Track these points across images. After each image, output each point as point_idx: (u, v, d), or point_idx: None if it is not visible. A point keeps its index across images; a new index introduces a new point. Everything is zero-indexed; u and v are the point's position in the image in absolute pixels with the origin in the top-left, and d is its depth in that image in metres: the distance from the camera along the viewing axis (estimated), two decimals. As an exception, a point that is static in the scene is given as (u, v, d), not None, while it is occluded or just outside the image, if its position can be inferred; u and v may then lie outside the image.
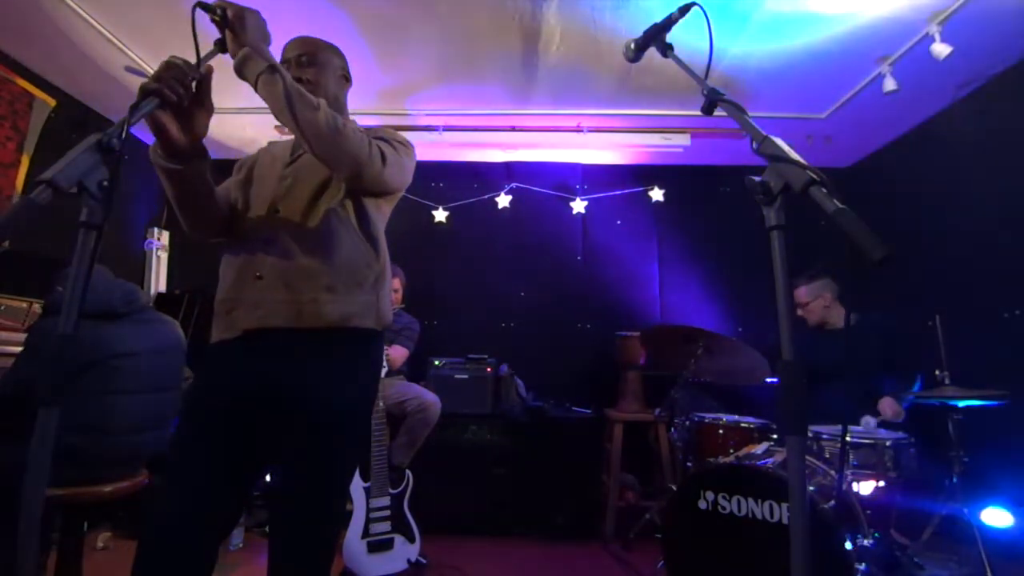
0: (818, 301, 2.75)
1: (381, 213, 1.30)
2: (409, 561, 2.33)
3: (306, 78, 1.25)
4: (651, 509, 2.93)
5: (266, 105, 1.06)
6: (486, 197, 3.88)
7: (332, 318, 1.13)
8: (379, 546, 2.28)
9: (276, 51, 1.14)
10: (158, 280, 3.80)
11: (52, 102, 2.93)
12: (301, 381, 1.11)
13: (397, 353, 2.92)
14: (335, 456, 1.13)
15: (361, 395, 1.20)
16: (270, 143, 1.40)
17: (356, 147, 1.09)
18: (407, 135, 1.36)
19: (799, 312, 2.81)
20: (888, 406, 2.36)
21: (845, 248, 0.68)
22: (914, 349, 2.58)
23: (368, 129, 1.27)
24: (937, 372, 2.26)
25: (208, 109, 1.03)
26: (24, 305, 2.46)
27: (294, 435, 1.10)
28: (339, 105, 1.34)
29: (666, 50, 1.11)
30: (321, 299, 1.13)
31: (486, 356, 3.24)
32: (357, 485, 2.29)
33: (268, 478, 2.33)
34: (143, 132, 3.18)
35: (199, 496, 1.05)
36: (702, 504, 1.89)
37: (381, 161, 1.14)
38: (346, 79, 1.38)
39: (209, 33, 1.04)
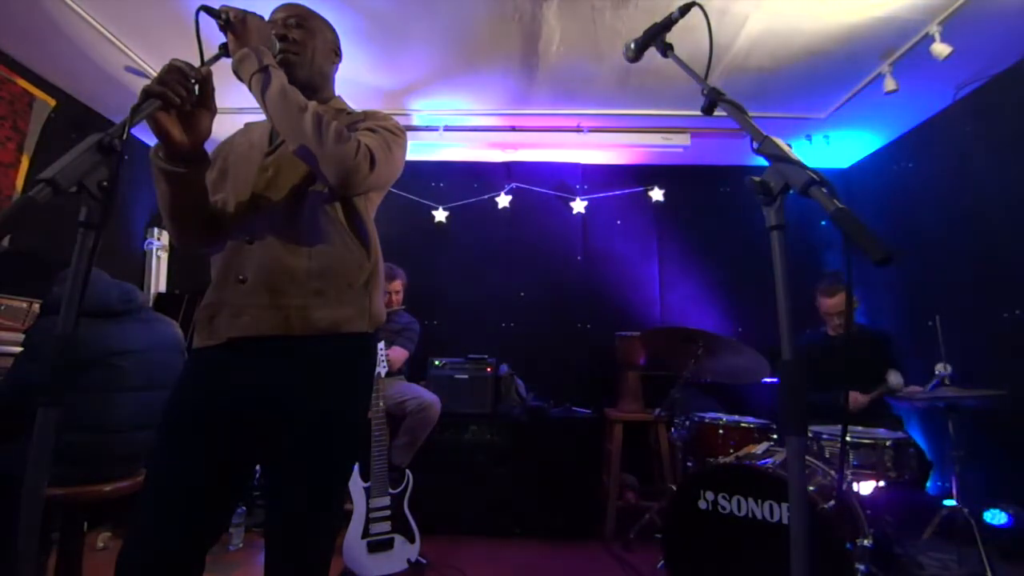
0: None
1: (371, 203, 1.24)
2: (409, 561, 2.33)
3: (292, 36, 1.19)
4: (651, 509, 2.93)
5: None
6: (486, 197, 3.88)
7: (322, 325, 1.08)
8: (379, 546, 2.28)
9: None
10: (158, 280, 3.80)
11: (52, 102, 2.93)
12: (291, 390, 1.06)
13: (397, 355, 2.92)
14: (330, 460, 1.09)
15: (355, 399, 1.15)
16: (247, 124, 1.30)
17: (342, 155, 1.02)
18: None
19: (831, 310, 2.83)
20: (893, 376, 2.43)
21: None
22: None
23: (356, 115, 1.23)
24: (939, 367, 2.26)
25: (211, 110, 1.02)
26: (24, 305, 2.46)
27: (287, 440, 1.06)
28: (325, 79, 1.29)
29: (666, 50, 1.11)
30: (310, 305, 1.07)
31: (486, 356, 3.24)
32: (357, 485, 2.29)
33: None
34: (144, 133, 3.19)
35: (181, 505, 1.00)
36: (702, 504, 1.89)
37: (369, 165, 1.05)
38: (336, 53, 1.31)
39: (210, 34, 1.04)
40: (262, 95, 1.04)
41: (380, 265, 1.23)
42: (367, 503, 2.29)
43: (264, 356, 1.07)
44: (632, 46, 1.16)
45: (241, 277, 1.09)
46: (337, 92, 1.35)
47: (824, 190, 0.73)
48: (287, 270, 1.08)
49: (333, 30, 1.31)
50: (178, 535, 1.00)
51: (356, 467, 2.31)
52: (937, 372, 2.27)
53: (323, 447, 1.08)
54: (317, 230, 1.11)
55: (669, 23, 1.11)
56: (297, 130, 1.01)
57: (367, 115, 1.22)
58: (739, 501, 1.82)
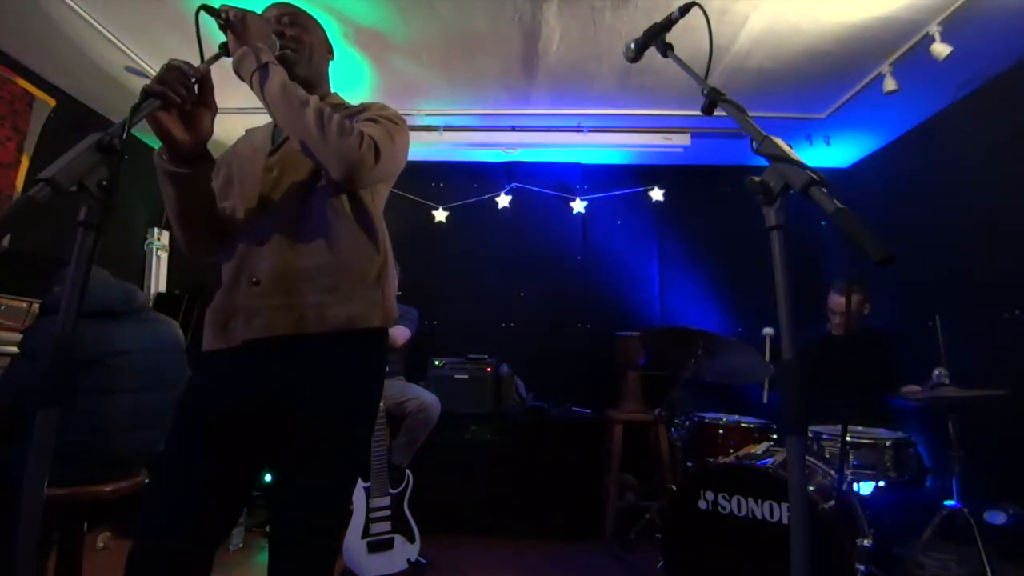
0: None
1: (379, 196, 1.23)
2: (409, 561, 2.33)
3: (289, 34, 1.19)
4: (651, 509, 2.93)
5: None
6: (486, 197, 3.88)
7: (337, 322, 1.07)
8: (379, 546, 2.28)
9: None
10: (158, 280, 3.80)
11: (52, 102, 2.93)
12: (306, 388, 1.06)
13: (398, 331, 2.85)
14: (341, 459, 1.09)
15: (367, 397, 1.15)
16: (248, 131, 1.30)
17: (346, 149, 1.00)
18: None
19: (836, 308, 2.83)
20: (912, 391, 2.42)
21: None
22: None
23: (355, 107, 1.23)
24: (936, 372, 2.26)
25: (212, 109, 1.01)
26: (24, 305, 2.46)
27: (299, 439, 1.06)
28: (322, 76, 1.29)
29: (666, 50, 1.11)
30: (324, 302, 1.07)
31: (486, 356, 3.24)
32: (357, 485, 2.29)
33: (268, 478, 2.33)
34: (145, 133, 3.19)
35: (193, 506, 1.01)
36: (702, 504, 1.89)
37: (374, 157, 1.04)
38: (330, 51, 1.32)
39: (210, 34, 1.04)
40: (263, 92, 1.04)
41: (390, 259, 1.22)
42: (367, 503, 2.29)
43: (279, 356, 1.07)
44: (632, 46, 1.16)
45: (255, 279, 1.08)
46: (337, 92, 1.35)
47: (824, 190, 0.73)
48: (299, 269, 1.08)
49: (323, 29, 1.31)
50: (189, 534, 1.00)
51: (356, 467, 2.31)
52: (934, 377, 2.27)
53: (335, 446, 1.08)
54: (326, 226, 1.11)
55: (669, 23, 1.11)
56: (300, 126, 1.01)
57: (365, 107, 1.22)
58: (739, 501, 1.82)
